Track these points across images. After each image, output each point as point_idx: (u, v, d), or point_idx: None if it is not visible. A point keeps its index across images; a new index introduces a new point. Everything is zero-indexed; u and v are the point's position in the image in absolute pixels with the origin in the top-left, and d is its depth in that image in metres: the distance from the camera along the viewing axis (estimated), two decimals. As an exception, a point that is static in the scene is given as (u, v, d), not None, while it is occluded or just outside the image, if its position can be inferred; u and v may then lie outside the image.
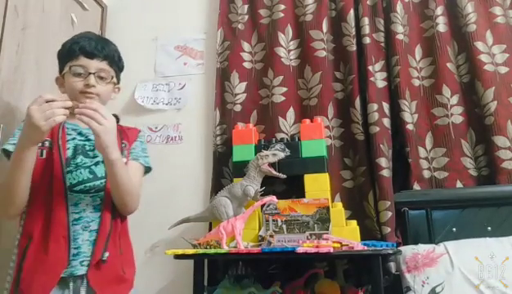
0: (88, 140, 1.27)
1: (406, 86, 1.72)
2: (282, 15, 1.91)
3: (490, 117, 1.62)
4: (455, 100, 1.71)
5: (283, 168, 1.61)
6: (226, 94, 1.89)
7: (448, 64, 1.74)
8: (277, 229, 1.48)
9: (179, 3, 2.15)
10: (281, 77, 1.84)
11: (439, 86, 1.73)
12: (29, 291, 1.10)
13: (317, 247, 1.27)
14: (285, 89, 1.83)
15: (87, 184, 1.20)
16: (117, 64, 1.33)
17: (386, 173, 1.60)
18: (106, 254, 1.16)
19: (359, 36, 1.80)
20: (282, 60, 1.87)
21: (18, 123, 1.48)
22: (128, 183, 1.20)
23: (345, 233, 1.45)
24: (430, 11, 1.81)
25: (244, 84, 1.89)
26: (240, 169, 1.64)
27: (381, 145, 1.63)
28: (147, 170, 1.36)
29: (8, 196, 1.13)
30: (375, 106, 1.68)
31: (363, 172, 1.67)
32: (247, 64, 1.93)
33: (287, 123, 1.80)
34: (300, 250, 1.24)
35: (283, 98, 1.82)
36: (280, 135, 1.77)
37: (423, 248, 1.46)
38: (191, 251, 1.40)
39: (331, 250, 1.24)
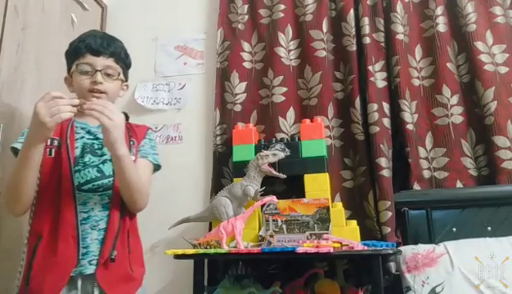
0: (97, 138, 1.27)
1: (406, 86, 1.72)
2: (282, 15, 1.91)
3: (490, 117, 1.62)
4: (455, 100, 1.71)
5: (283, 168, 1.61)
6: (226, 94, 1.89)
7: (448, 64, 1.74)
8: (277, 229, 1.48)
9: (179, 3, 2.15)
10: (281, 77, 1.84)
11: (439, 86, 1.73)
12: (39, 290, 1.11)
13: (317, 247, 1.27)
14: (285, 89, 1.83)
15: (95, 183, 1.20)
16: (124, 61, 1.34)
17: (386, 173, 1.61)
18: (115, 252, 1.16)
19: (359, 36, 1.80)
20: (282, 59, 1.87)
21: (18, 123, 1.48)
22: (137, 180, 1.20)
23: (345, 233, 1.45)
24: (430, 11, 1.81)
25: (244, 84, 1.89)
26: (240, 169, 1.64)
27: (381, 145, 1.63)
28: (156, 168, 1.36)
29: (15, 193, 1.14)
30: (375, 106, 1.68)
31: (363, 172, 1.67)
32: (247, 64, 1.93)
33: (287, 123, 1.80)
34: (300, 250, 1.24)
35: (283, 98, 1.82)
36: (280, 135, 1.77)
37: (423, 248, 1.46)
38: (191, 251, 1.40)
39: (331, 250, 1.24)
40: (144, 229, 1.32)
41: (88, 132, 1.28)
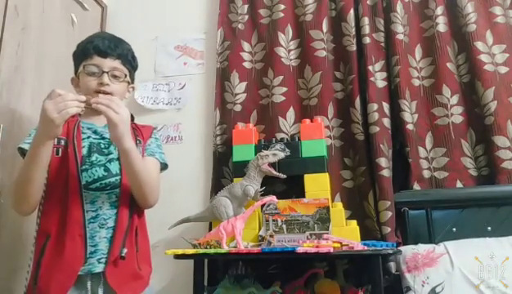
0: (103, 138, 1.28)
1: (406, 86, 1.72)
2: (282, 15, 1.91)
3: (490, 117, 1.62)
4: (455, 99, 1.71)
5: (283, 168, 1.61)
6: (226, 94, 1.89)
7: (448, 64, 1.74)
8: (277, 229, 1.48)
9: (179, 3, 2.14)
10: (281, 77, 1.84)
11: (439, 86, 1.73)
12: (47, 289, 1.11)
13: (317, 246, 1.27)
14: (285, 89, 1.83)
15: (103, 182, 1.21)
16: (130, 63, 1.35)
17: (386, 173, 1.61)
18: (125, 250, 1.17)
19: (359, 36, 1.80)
20: (282, 59, 1.87)
21: (18, 123, 1.48)
22: (145, 173, 1.21)
23: (345, 233, 1.45)
24: (430, 11, 1.81)
25: (244, 84, 1.89)
26: (240, 169, 1.64)
27: (381, 145, 1.63)
28: (163, 166, 1.37)
29: (22, 192, 1.14)
30: (375, 106, 1.68)
31: (363, 172, 1.67)
32: (247, 64, 1.93)
33: (287, 123, 1.80)
34: (300, 250, 1.24)
35: (283, 98, 1.82)
36: (280, 135, 1.77)
37: (423, 248, 1.47)
38: (191, 251, 1.40)
39: (331, 250, 1.24)
40: (144, 229, 1.34)
41: (95, 132, 1.29)
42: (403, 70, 1.73)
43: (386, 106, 1.72)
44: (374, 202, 1.62)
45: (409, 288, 1.41)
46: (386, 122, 1.69)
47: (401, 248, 1.50)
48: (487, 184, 1.60)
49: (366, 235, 1.55)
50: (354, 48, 1.78)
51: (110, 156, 1.25)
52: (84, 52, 1.28)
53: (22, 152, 1.21)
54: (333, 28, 1.88)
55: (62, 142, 1.21)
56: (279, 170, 1.60)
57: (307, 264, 1.59)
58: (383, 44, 1.80)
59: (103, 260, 1.17)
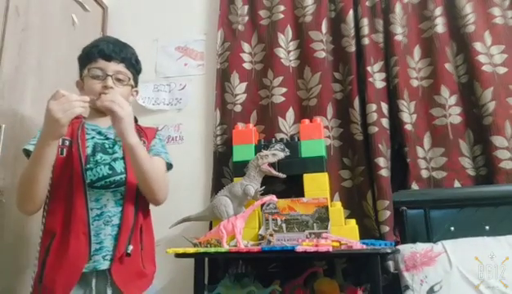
0: (107, 138, 1.30)
1: (404, 86, 1.73)
2: (282, 16, 1.92)
3: (488, 117, 1.63)
4: (453, 100, 1.72)
5: (283, 168, 1.62)
6: (226, 94, 1.90)
7: (447, 65, 1.75)
8: (277, 228, 1.49)
9: (179, 4, 2.15)
10: (281, 78, 1.85)
11: (438, 87, 1.73)
12: (52, 287, 1.12)
13: (316, 245, 1.28)
14: (284, 89, 1.84)
15: (107, 180, 1.22)
16: (134, 66, 1.37)
17: (384, 173, 1.62)
18: (130, 247, 1.18)
19: (358, 37, 1.81)
20: (282, 60, 1.88)
21: (19, 124, 1.49)
22: (152, 169, 1.22)
23: (344, 232, 1.46)
24: (429, 12, 1.82)
25: (244, 85, 1.90)
26: (241, 169, 1.65)
27: (380, 145, 1.64)
28: (169, 167, 1.38)
29: (27, 192, 1.15)
30: (374, 106, 1.69)
31: (362, 172, 1.68)
32: (247, 65, 1.94)
33: (287, 123, 1.81)
34: (299, 249, 1.25)
35: (283, 98, 1.83)
36: (279, 136, 1.78)
37: (421, 247, 1.47)
38: (192, 249, 1.41)
39: (330, 249, 1.25)
40: (145, 229, 1.34)
41: (99, 133, 1.30)
42: (402, 71, 1.74)
43: (385, 106, 1.73)
44: (372, 202, 1.63)
45: (407, 287, 1.42)
46: (385, 122, 1.70)
47: (400, 247, 1.50)
48: (485, 184, 1.61)
49: (364, 234, 1.56)
50: (353, 49, 1.79)
51: (115, 155, 1.27)
52: (89, 56, 1.30)
53: (27, 153, 1.22)
54: (332, 30, 1.88)
55: (67, 142, 1.23)
56: (278, 170, 1.62)
57: (307, 263, 1.60)
58: (382, 45, 1.81)
59: (108, 257, 1.18)
